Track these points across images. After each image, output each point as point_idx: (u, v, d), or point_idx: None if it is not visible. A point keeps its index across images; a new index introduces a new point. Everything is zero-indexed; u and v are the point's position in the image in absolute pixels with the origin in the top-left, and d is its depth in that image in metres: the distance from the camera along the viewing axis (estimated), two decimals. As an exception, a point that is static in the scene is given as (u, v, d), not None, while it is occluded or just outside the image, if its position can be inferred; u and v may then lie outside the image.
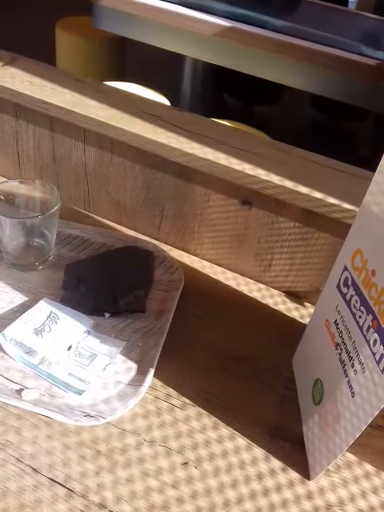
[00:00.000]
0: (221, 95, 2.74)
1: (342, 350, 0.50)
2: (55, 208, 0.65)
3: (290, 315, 0.70)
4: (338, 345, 0.51)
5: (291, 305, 0.72)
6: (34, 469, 0.49)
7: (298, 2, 2.37)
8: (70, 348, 0.59)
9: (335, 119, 2.64)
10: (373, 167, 0.67)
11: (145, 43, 2.06)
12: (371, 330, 0.45)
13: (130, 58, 2.57)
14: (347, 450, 0.48)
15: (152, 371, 0.57)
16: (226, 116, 1.40)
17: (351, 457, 0.54)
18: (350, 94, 1.85)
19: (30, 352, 0.58)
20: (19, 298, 0.65)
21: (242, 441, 0.54)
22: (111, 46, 2.44)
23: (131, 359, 0.60)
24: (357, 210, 0.59)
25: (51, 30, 2.37)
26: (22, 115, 0.78)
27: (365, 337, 0.46)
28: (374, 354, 0.44)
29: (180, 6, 1.97)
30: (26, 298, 0.65)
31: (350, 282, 0.50)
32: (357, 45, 1.80)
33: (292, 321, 0.70)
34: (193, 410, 0.56)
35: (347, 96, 1.87)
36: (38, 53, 1.06)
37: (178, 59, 2.28)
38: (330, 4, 2.33)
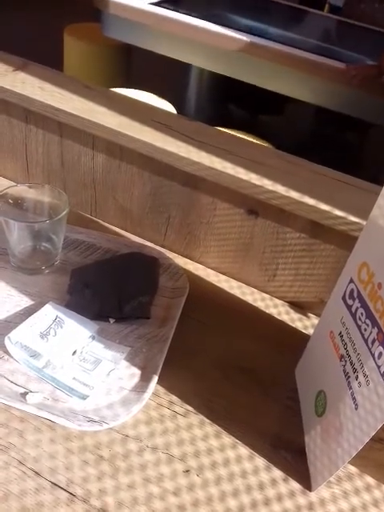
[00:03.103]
0: (225, 104, 2.76)
1: (346, 361, 0.50)
2: (63, 213, 0.65)
3: (293, 326, 0.71)
4: (342, 356, 0.51)
5: (295, 315, 0.72)
6: (36, 472, 0.50)
7: (304, 14, 2.39)
8: (74, 353, 0.60)
9: (339, 131, 2.65)
10: (376, 180, 0.68)
11: (151, 51, 2.07)
12: (376, 342, 0.45)
13: (135, 65, 2.59)
14: (348, 462, 0.48)
15: (155, 378, 0.57)
16: (229, 125, 1.40)
17: (352, 469, 0.55)
18: (355, 107, 1.86)
19: (34, 355, 0.58)
20: (25, 302, 0.65)
21: (244, 450, 0.54)
22: (118, 53, 2.46)
23: (135, 365, 0.60)
24: (363, 223, 0.60)
25: (59, 36, 2.39)
26: (31, 120, 0.78)
27: (370, 349, 0.46)
28: (378, 366, 0.44)
29: (188, 16, 1.99)
30: (32, 302, 0.65)
31: (355, 294, 0.50)
32: (363, 59, 1.82)
33: (295, 331, 0.70)
34: (195, 417, 0.56)
35: (352, 109, 1.88)
36: (45, 58, 1.07)
37: (183, 68, 2.30)
38: (336, 16, 2.35)
